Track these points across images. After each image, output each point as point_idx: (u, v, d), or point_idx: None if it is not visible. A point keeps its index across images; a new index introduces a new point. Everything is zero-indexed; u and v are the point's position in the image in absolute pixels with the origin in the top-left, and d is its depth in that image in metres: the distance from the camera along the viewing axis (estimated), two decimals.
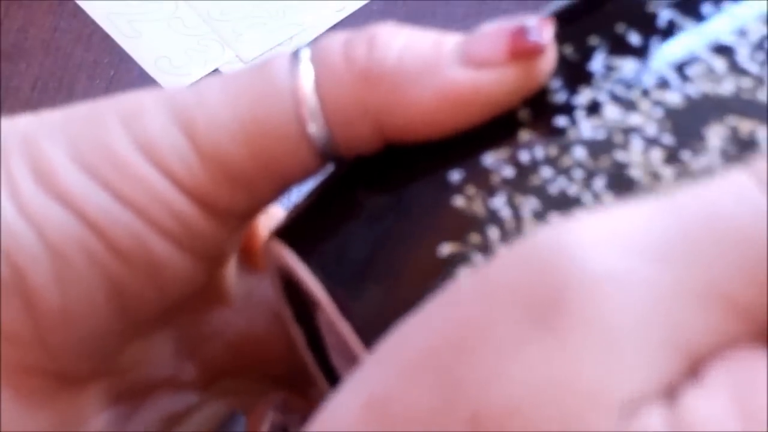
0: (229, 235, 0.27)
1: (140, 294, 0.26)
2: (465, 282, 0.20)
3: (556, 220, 0.23)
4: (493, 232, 0.24)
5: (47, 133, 0.25)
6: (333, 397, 0.21)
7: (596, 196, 0.23)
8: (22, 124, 0.26)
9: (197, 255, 0.26)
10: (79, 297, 0.25)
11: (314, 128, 0.25)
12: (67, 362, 0.26)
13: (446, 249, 0.24)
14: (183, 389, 0.31)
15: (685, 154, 0.23)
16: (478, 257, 0.23)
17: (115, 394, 0.29)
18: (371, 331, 0.24)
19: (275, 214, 0.31)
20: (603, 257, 0.19)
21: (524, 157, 0.24)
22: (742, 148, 0.23)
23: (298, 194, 0.28)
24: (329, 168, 0.27)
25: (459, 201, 0.24)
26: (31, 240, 0.25)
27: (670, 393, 0.19)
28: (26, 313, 0.25)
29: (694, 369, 0.19)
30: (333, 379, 0.29)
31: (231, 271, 0.30)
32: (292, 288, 0.28)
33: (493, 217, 0.24)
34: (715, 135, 0.23)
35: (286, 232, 0.26)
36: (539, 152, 0.24)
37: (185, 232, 0.25)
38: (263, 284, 0.31)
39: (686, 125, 0.24)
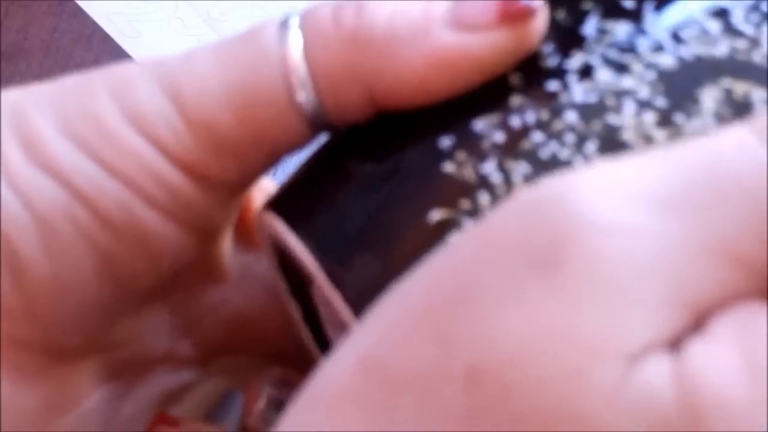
0: (220, 207, 0.26)
1: (130, 265, 0.25)
2: (465, 236, 0.20)
3: None
4: (484, 197, 0.23)
5: (35, 104, 0.25)
6: (326, 359, 0.20)
7: (587, 160, 0.23)
8: (11, 97, 0.25)
9: (188, 226, 0.26)
10: (68, 268, 0.25)
11: (303, 96, 0.24)
12: (59, 336, 0.26)
13: (436, 215, 0.23)
14: (180, 366, 0.30)
15: (679, 117, 0.23)
16: (468, 222, 0.23)
17: (110, 371, 0.28)
18: (362, 300, 0.23)
19: (270, 189, 0.30)
20: (606, 207, 0.19)
21: (515, 122, 0.24)
22: (736, 110, 0.23)
23: (293, 168, 0.28)
24: (322, 139, 0.27)
25: (449, 167, 0.24)
26: (18, 210, 0.24)
27: (675, 345, 0.18)
28: (16, 285, 0.25)
29: (699, 322, 0.19)
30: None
31: (227, 247, 0.30)
32: (286, 262, 0.28)
33: (484, 182, 0.23)
34: (709, 97, 0.23)
35: (277, 203, 0.26)
36: (530, 117, 0.24)
37: (174, 201, 0.25)
38: (260, 261, 0.30)
39: (680, 88, 0.23)
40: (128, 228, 0.25)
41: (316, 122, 0.25)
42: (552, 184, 0.19)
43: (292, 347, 0.31)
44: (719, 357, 0.18)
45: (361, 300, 0.24)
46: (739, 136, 0.20)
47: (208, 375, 0.30)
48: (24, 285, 0.25)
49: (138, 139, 0.24)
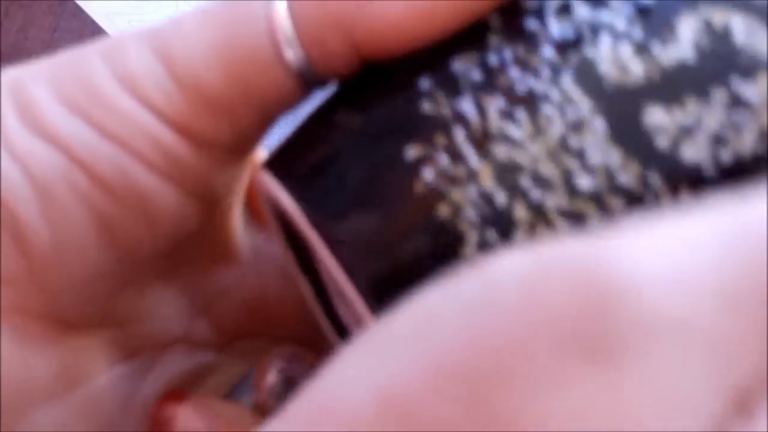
0: (218, 171, 0.26)
1: (131, 230, 0.25)
2: (508, 287, 0.18)
3: (521, 115, 0.23)
4: (459, 132, 0.23)
5: (34, 76, 0.25)
6: (336, 367, 0.19)
7: (563, 92, 0.23)
8: (11, 72, 0.25)
9: (186, 189, 0.25)
10: (69, 233, 0.25)
11: (291, 53, 0.24)
12: (67, 305, 0.26)
13: (412, 152, 0.23)
14: (198, 349, 0.30)
15: (655, 47, 0.23)
16: (443, 158, 0.23)
17: (124, 348, 0.28)
18: (353, 255, 0.23)
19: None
20: (663, 298, 0.18)
21: (492, 59, 0.24)
22: (715, 39, 0.23)
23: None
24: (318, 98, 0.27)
25: (426, 106, 0.23)
26: (17, 177, 0.24)
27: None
28: (19, 252, 0.24)
29: (744, 406, 0.18)
30: (343, 332, 0.28)
31: (237, 225, 0.29)
32: (293, 236, 0.28)
33: (459, 118, 0.23)
34: (687, 26, 0.22)
35: (270, 162, 0.26)
36: (507, 54, 0.24)
37: (169, 162, 0.24)
38: (272, 243, 0.30)
39: (657, 17, 0.23)
40: (125, 190, 0.24)
41: (305, 78, 0.25)
42: (600, 258, 0.18)
43: (310, 331, 0.30)
44: None
45: (351, 255, 0.23)
46: None
47: (227, 358, 0.30)
48: (26, 251, 0.24)
49: (130, 102, 0.24)
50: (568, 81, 0.23)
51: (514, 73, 0.23)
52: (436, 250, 0.23)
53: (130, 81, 0.24)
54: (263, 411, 0.29)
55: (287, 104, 0.25)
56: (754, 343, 0.18)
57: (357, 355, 0.19)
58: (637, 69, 0.23)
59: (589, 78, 0.23)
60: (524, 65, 0.23)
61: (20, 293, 0.25)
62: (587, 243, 0.18)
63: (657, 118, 0.22)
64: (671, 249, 0.18)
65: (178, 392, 0.29)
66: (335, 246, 0.24)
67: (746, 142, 0.23)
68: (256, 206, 0.30)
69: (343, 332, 0.29)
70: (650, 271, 0.18)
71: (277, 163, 0.25)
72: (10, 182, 0.24)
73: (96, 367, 0.27)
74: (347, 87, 0.25)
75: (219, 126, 0.25)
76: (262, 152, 0.30)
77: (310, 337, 0.31)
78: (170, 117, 0.24)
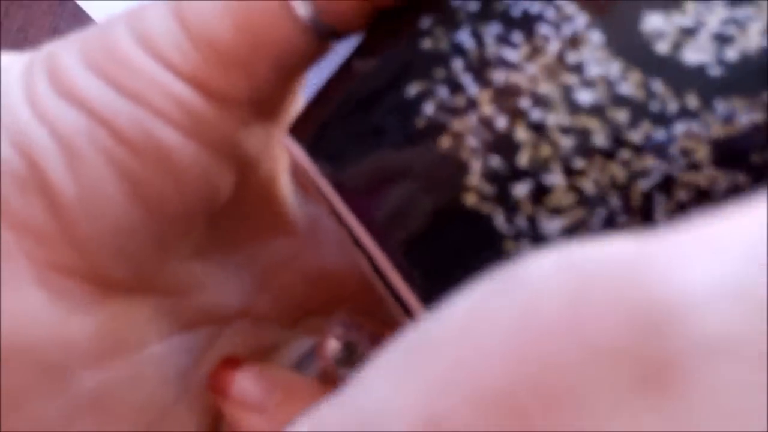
0: (243, 129, 0.26)
1: (156, 185, 0.25)
2: (551, 303, 0.18)
3: (517, 38, 0.23)
4: (457, 63, 0.23)
5: (66, 45, 0.26)
6: (373, 380, 0.19)
7: (558, 9, 0.23)
8: (49, 46, 0.26)
9: (210, 146, 0.26)
10: (94, 187, 0.25)
11: (299, 4, 0.25)
12: (102, 262, 0.26)
13: (413, 89, 0.24)
14: (261, 324, 0.30)
15: None
16: (443, 90, 0.23)
17: (180, 320, 0.28)
18: (365, 203, 0.23)
19: None
20: (719, 319, 0.17)
21: None
22: None
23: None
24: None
25: (427, 43, 0.24)
26: (44, 137, 0.25)
27: None
28: (48, 208, 0.25)
29: None
30: (403, 303, 0.28)
31: (287, 194, 0.30)
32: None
33: (457, 49, 0.23)
34: None
35: (293, 125, 0.26)
36: None
37: (189, 118, 0.25)
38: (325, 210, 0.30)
39: None
40: (147, 146, 0.25)
41: (318, 30, 0.25)
42: (655, 275, 0.17)
43: (373, 304, 0.30)
44: None
45: (363, 203, 0.23)
46: None
47: (292, 335, 0.30)
48: (56, 208, 0.25)
49: (147, 59, 0.25)
50: None
51: None
52: (439, 183, 0.23)
53: (147, 40, 0.25)
54: (329, 379, 0.29)
55: (304, 59, 0.25)
56: None
57: (394, 370, 0.19)
58: None
59: None
60: None
61: (52, 249, 0.25)
62: (628, 249, 0.17)
63: (655, 23, 0.22)
64: (721, 261, 0.17)
65: (236, 359, 0.29)
66: (349, 197, 0.24)
67: (753, 38, 0.22)
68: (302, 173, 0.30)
69: (405, 306, 0.28)
70: (700, 284, 0.17)
71: (298, 126, 0.25)
72: (38, 141, 0.25)
73: (146, 336, 0.27)
74: (363, 37, 0.26)
75: (235, 81, 0.25)
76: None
77: (373, 311, 0.31)
78: (186, 72, 0.25)
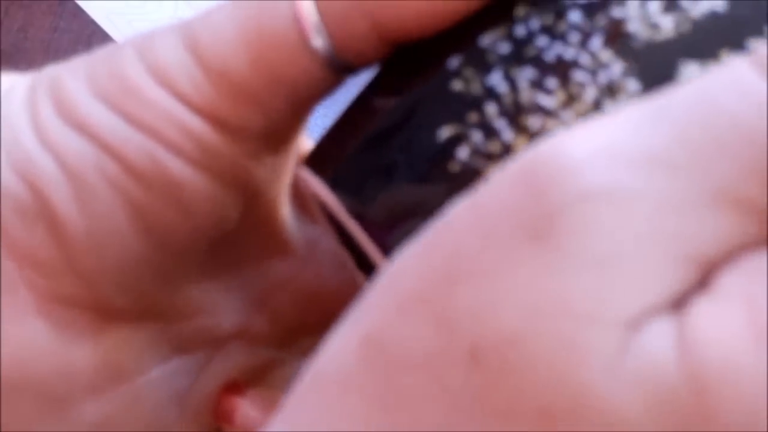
0: (253, 160, 0.26)
1: (164, 217, 0.25)
2: (458, 209, 0.19)
3: (552, 84, 0.23)
4: (491, 108, 0.23)
5: (71, 70, 0.25)
6: (329, 338, 0.20)
7: (593, 56, 0.23)
8: (54, 69, 0.26)
9: (220, 179, 0.25)
10: (102, 219, 0.25)
11: (317, 40, 0.24)
12: (107, 294, 0.26)
13: (445, 132, 0.23)
14: (257, 345, 0.30)
15: (684, 1, 0.23)
16: (477, 135, 0.23)
17: (177, 344, 0.28)
18: (393, 240, 0.23)
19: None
20: (598, 171, 0.18)
21: (520, 31, 0.24)
22: None
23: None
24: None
25: (457, 85, 0.23)
26: (50, 166, 0.25)
27: (680, 304, 0.18)
28: (53, 238, 0.25)
29: (705, 277, 0.18)
30: None
31: (287, 217, 0.29)
32: (345, 232, 0.27)
33: (490, 93, 0.23)
34: None
35: (310, 158, 0.26)
36: (534, 24, 0.24)
37: (200, 151, 0.25)
38: (326, 234, 0.30)
39: None
40: (156, 177, 0.24)
41: (333, 65, 0.25)
42: (541, 150, 0.19)
43: None
44: (725, 318, 0.17)
45: (391, 240, 0.23)
46: (736, 72, 0.18)
47: (288, 356, 0.30)
48: (61, 238, 0.25)
49: (158, 90, 0.24)
50: (597, 44, 0.23)
51: (542, 41, 0.23)
52: None
53: (159, 70, 0.25)
54: None
55: (318, 92, 0.25)
56: (703, 206, 0.18)
57: (348, 318, 0.20)
58: (667, 24, 0.22)
59: (618, 38, 0.23)
60: (552, 33, 0.23)
61: (57, 281, 0.25)
62: (527, 151, 0.19)
63: (691, 72, 0.22)
64: (605, 130, 0.18)
65: (239, 385, 0.29)
66: (375, 233, 0.23)
67: None
68: (304, 198, 0.30)
69: None
70: (585, 149, 0.18)
71: (316, 159, 0.25)
72: (44, 170, 0.25)
73: (146, 361, 0.27)
74: (381, 72, 0.25)
75: (249, 114, 0.25)
76: (308, 145, 0.30)
77: None
78: (198, 105, 0.25)
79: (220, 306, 0.29)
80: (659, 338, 0.17)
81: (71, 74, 0.25)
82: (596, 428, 0.17)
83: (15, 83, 0.26)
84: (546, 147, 0.18)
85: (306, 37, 0.24)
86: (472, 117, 0.23)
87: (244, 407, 0.28)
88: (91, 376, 0.26)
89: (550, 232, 0.18)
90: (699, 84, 0.18)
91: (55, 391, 0.25)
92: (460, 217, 0.19)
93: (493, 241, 0.18)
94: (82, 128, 0.25)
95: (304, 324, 0.30)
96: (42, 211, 0.25)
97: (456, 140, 0.23)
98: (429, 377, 0.18)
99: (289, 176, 0.29)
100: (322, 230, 0.30)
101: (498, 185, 0.19)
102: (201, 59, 0.25)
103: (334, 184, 0.25)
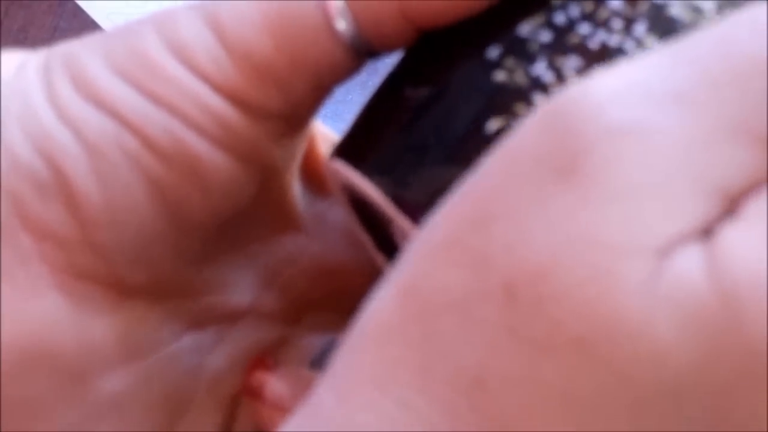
0: (272, 141, 0.26)
1: (183, 194, 0.25)
2: (488, 159, 0.20)
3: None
4: (538, 98, 0.23)
5: (87, 47, 0.25)
6: (373, 296, 0.20)
7: (639, 42, 0.22)
8: (67, 46, 0.26)
9: (238, 156, 0.25)
10: (120, 195, 0.25)
11: (341, 23, 0.24)
12: (122, 269, 0.26)
13: (494, 125, 0.23)
14: (268, 321, 0.30)
15: None
16: None
17: (192, 320, 0.28)
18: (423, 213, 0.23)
19: (333, 138, 0.30)
20: (623, 108, 0.18)
21: (560, 18, 0.23)
22: None
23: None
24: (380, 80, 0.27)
25: (500, 76, 0.23)
26: (69, 141, 0.24)
27: (707, 234, 0.18)
28: (70, 213, 0.25)
29: (731, 208, 0.18)
30: None
31: (297, 194, 0.29)
32: (365, 215, 0.27)
33: (537, 84, 0.23)
34: None
35: (341, 148, 0.25)
36: (574, 11, 0.23)
37: (221, 129, 0.25)
38: (334, 209, 0.30)
39: None
40: (176, 154, 0.24)
41: (357, 48, 0.25)
42: (567, 92, 0.19)
43: None
44: (752, 239, 0.17)
45: None
46: (754, 13, 0.19)
47: (302, 333, 0.30)
48: (78, 213, 0.24)
49: (180, 69, 0.24)
50: (641, 30, 0.23)
51: (585, 29, 0.23)
52: None
53: (181, 49, 0.25)
54: None
55: (339, 75, 0.25)
56: (725, 140, 0.18)
57: (387, 279, 0.20)
58: (709, 6, 0.22)
59: (662, 24, 0.22)
60: (594, 20, 0.23)
61: (74, 256, 0.25)
62: (556, 95, 0.19)
63: None
64: (629, 70, 0.19)
65: (268, 360, 0.29)
66: (414, 216, 0.23)
67: None
68: (314, 175, 0.30)
69: None
70: (609, 89, 0.18)
71: (347, 148, 0.25)
72: (62, 145, 0.25)
73: (162, 337, 0.27)
74: (410, 60, 0.25)
75: (270, 94, 0.25)
76: (320, 125, 0.30)
77: None
78: (220, 84, 0.24)
79: (232, 282, 0.29)
80: (689, 263, 0.17)
81: (88, 50, 0.25)
82: (632, 353, 0.17)
83: (26, 59, 0.26)
84: (571, 89, 0.19)
85: (330, 19, 0.24)
86: (520, 108, 0.23)
87: (273, 383, 0.28)
88: (108, 350, 0.26)
89: (578, 168, 0.18)
90: (719, 26, 0.19)
91: (72, 365, 0.25)
92: (489, 165, 0.19)
93: (522, 181, 0.18)
94: (101, 104, 0.25)
95: (314, 299, 0.30)
96: (60, 186, 0.25)
97: (504, 132, 0.23)
98: (464, 317, 0.18)
99: (302, 155, 0.29)
100: (330, 205, 0.30)
101: (525, 129, 0.19)
102: (223, 38, 0.25)
103: (370, 172, 0.24)
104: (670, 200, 0.18)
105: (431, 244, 0.19)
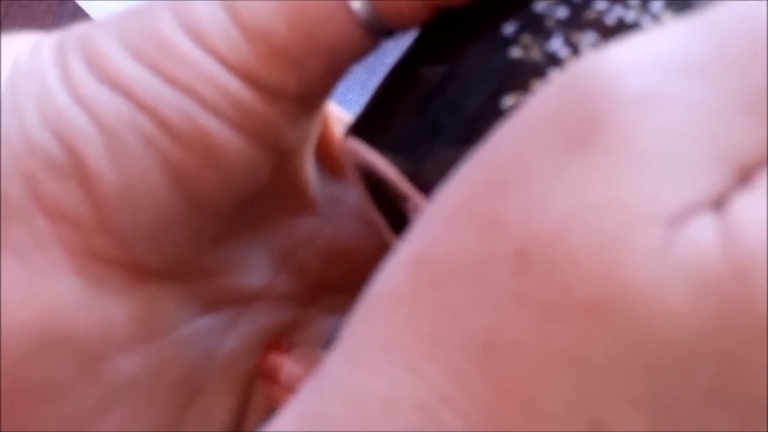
0: (287, 122, 0.26)
1: (198, 175, 0.25)
2: (502, 127, 0.20)
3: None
4: (554, 74, 0.23)
5: (101, 28, 0.25)
6: (384, 265, 0.20)
7: (655, 18, 0.22)
8: (81, 28, 0.26)
9: (254, 139, 0.25)
10: (136, 177, 0.25)
11: (356, 2, 0.24)
12: (137, 251, 0.25)
13: (510, 101, 0.23)
14: (282, 303, 0.30)
15: None
16: None
17: (207, 302, 0.28)
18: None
19: (347, 119, 0.30)
20: (639, 77, 0.18)
21: None
22: None
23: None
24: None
25: (516, 52, 0.23)
26: (84, 122, 0.24)
27: (720, 204, 0.18)
28: (86, 195, 0.25)
29: (744, 179, 0.18)
30: None
31: (311, 175, 0.29)
32: (378, 192, 0.27)
33: (552, 59, 0.23)
34: None
35: (357, 127, 0.25)
36: None
37: (236, 110, 0.25)
38: (348, 191, 0.30)
39: None
40: (191, 135, 0.24)
41: (372, 27, 0.25)
42: (584, 62, 0.19)
43: None
44: (763, 207, 0.17)
45: None
46: None
47: (312, 313, 0.30)
48: (94, 195, 0.24)
49: (195, 50, 0.24)
50: (658, 5, 0.22)
51: (601, 4, 0.23)
52: None
53: (195, 29, 0.24)
54: None
55: (354, 55, 0.25)
56: (740, 111, 0.18)
57: (399, 248, 0.20)
58: None
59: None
60: None
61: (90, 238, 0.25)
62: (573, 64, 0.19)
63: None
64: (646, 41, 0.19)
65: (283, 342, 0.28)
66: (430, 193, 0.23)
67: None
68: (328, 156, 0.30)
69: None
70: (626, 59, 0.18)
71: (363, 127, 0.25)
72: (77, 127, 0.25)
73: (177, 319, 0.27)
74: (425, 39, 0.25)
75: (286, 75, 0.25)
76: (333, 107, 0.30)
77: None
78: (235, 65, 0.24)
79: (247, 264, 0.29)
80: (702, 231, 0.17)
81: (102, 31, 0.25)
82: (643, 319, 0.17)
83: (41, 41, 0.26)
84: (588, 59, 0.19)
85: (347, 2, 0.24)
86: (536, 84, 0.23)
87: (288, 365, 0.28)
88: (125, 333, 0.26)
89: (592, 136, 0.18)
90: (736, 2, 0.19)
91: (89, 347, 0.25)
92: (504, 132, 0.19)
93: (538, 148, 0.18)
94: (116, 85, 0.25)
95: (327, 281, 0.30)
96: (75, 167, 0.25)
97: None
98: (475, 283, 0.18)
99: (316, 135, 0.29)
100: (344, 186, 0.30)
101: (542, 97, 0.19)
102: (238, 19, 0.24)
103: (386, 150, 0.24)
104: (684, 169, 0.18)
105: (444, 212, 0.19)
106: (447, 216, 0.19)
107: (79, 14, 0.68)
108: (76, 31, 0.26)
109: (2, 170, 0.25)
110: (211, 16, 0.25)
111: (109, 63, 0.25)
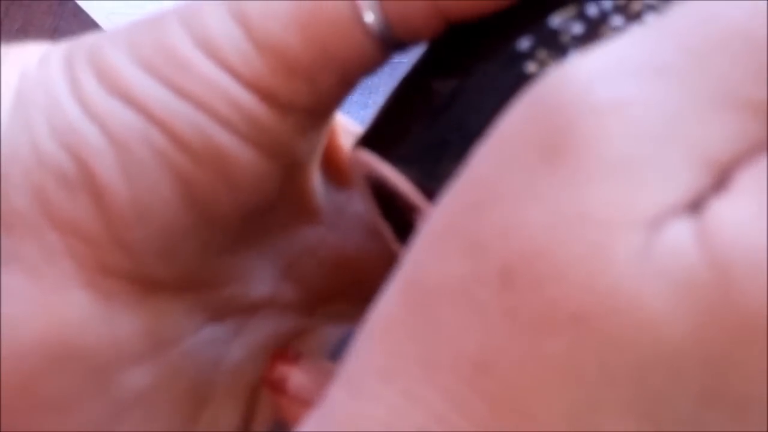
0: (298, 135, 0.26)
1: (209, 189, 0.25)
2: (481, 145, 0.20)
3: None
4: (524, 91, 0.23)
5: (111, 40, 0.25)
6: (382, 292, 0.21)
7: None
8: (89, 39, 0.26)
9: (265, 151, 0.25)
10: (147, 190, 0.24)
11: (370, 15, 0.24)
12: (150, 265, 0.25)
13: None
14: (286, 312, 0.30)
15: None
16: None
17: (212, 312, 0.28)
18: None
19: (355, 130, 0.30)
20: (606, 85, 0.18)
21: (592, 11, 0.23)
22: None
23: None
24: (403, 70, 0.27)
25: (532, 67, 0.23)
26: (95, 135, 0.24)
27: (698, 206, 0.18)
28: (97, 209, 0.24)
29: (721, 180, 0.18)
30: None
31: (317, 185, 0.29)
32: (385, 202, 0.27)
33: None
34: None
35: (368, 138, 0.25)
36: (607, 3, 0.23)
37: (248, 124, 0.24)
38: (353, 200, 0.30)
39: None
40: (203, 149, 0.24)
41: (385, 41, 0.25)
42: (550, 76, 0.19)
43: None
44: (741, 209, 0.17)
45: None
46: None
47: (315, 322, 0.30)
48: (105, 208, 0.24)
49: (207, 63, 0.24)
50: None
51: (617, 21, 0.23)
52: None
53: (207, 43, 0.24)
54: None
55: (367, 68, 0.25)
56: (710, 110, 0.18)
57: (394, 274, 0.20)
58: None
59: None
60: (626, 12, 0.23)
61: (100, 251, 0.25)
62: (541, 78, 0.19)
63: None
64: (611, 49, 0.19)
65: (290, 352, 0.28)
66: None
67: None
68: (334, 166, 0.30)
69: None
70: (592, 68, 0.18)
71: (374, 138, 0.25)
72: (88, 140, 0.24)
73: (184, 330, 0.27)
74: (437, 51, 0.25)
75: (298, 88, 0.25)
76: (340, 117, 0.30)
77: None
78: (248, 78, 0.24)
79: (251, 274, 0.29)
80: (680, 234, 0.18)
81: (111, 44, 0.25)
82: (628, 326, 0.17)
83: (48, 52, 0.26)
84: (555, 72, 0.19)
85: (359, 11, 0.24)
86: None
87: (296, 375, 0.28)
88: (134, 345, 0.26)
89: (564, 147, 0.18)
90: (695, 2, 0.19)
91: (99, 361, 0.25)
92: (481, 152, 0.20)
93: (512, 164, 0.19)
94: (127, 98, 0.25)
95: (331, 290, 0.30)
96: (86, 181, 0.24)
97: None
98: (463, 304, 0.18)
99: (323, 147, 0.29)
100: (349, 196, 0.30)
101: (513, 113, 0.19)
102: (250, 32, 0.24)
103: (397, 162, 0.24)
104: (658, 173, 0.18)
105: (430, 236, 0.20)
106: (432, 240, 0.19)
107: (79, 14, 0.68)
108: (84, 42, 0.26)
109: (13, 184, 0.25)
110: (222, 28, 0.25)
111: (120, 75, 0.25)
